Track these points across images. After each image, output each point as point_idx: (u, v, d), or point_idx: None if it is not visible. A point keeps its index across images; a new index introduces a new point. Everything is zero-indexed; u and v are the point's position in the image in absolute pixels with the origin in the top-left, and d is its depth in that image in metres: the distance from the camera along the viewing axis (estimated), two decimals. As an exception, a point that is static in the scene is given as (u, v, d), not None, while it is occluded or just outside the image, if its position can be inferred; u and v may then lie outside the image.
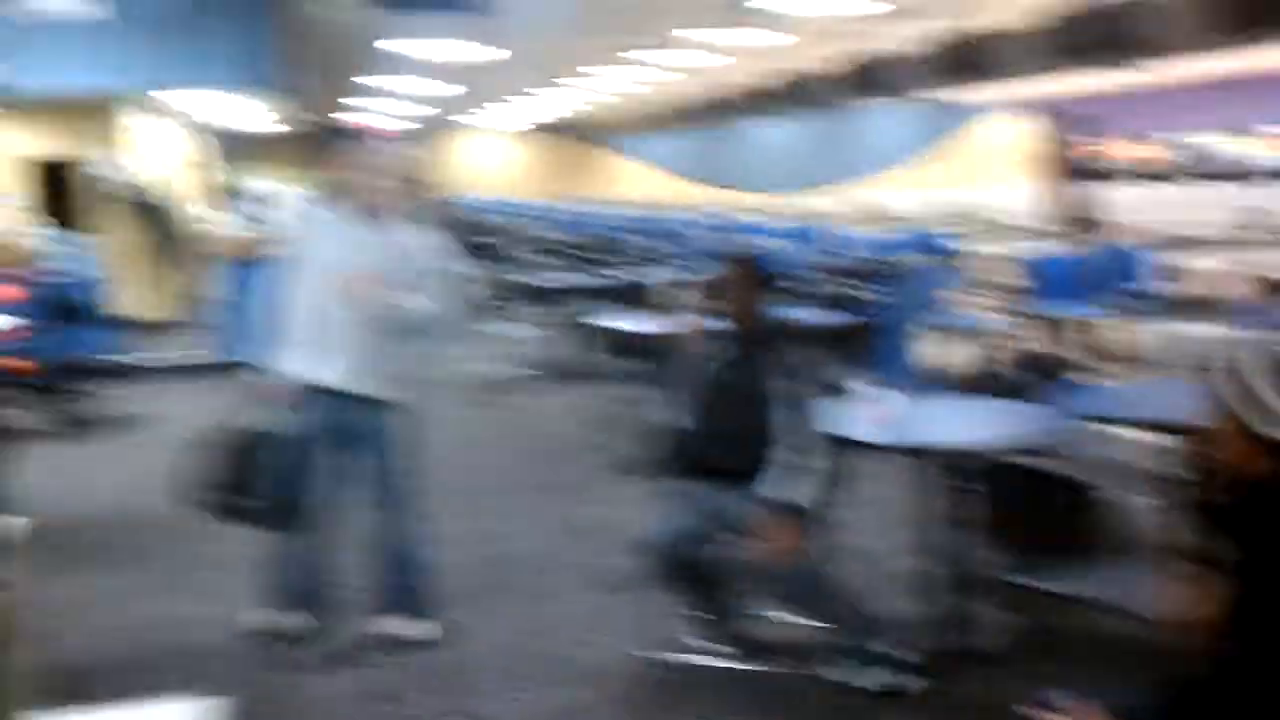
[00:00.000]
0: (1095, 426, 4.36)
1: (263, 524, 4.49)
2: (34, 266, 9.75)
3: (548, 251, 13.66)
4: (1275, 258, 11.26)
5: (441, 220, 4.83)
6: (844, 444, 3.98)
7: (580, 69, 19.38)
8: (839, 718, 3.87)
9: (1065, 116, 19.88)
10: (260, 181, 19.80)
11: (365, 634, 4.56)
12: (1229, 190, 20.76)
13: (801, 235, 14.23)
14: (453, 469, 6.67)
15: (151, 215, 13.12)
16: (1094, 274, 9.57)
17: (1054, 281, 9.56)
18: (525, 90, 22.96)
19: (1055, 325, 9.30)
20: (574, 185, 31.16)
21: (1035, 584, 3.61)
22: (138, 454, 7.88)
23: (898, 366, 7.58)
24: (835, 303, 8.01)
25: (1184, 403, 2.62)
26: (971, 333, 9.13)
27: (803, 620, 4.16)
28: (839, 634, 3.95)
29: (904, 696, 3.88)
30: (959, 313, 9.65)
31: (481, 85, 20.95)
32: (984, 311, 10.18)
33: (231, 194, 17.26)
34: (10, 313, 8.10)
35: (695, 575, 4.15)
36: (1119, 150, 22.29)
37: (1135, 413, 4.63)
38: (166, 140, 14.76)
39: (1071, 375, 5.79)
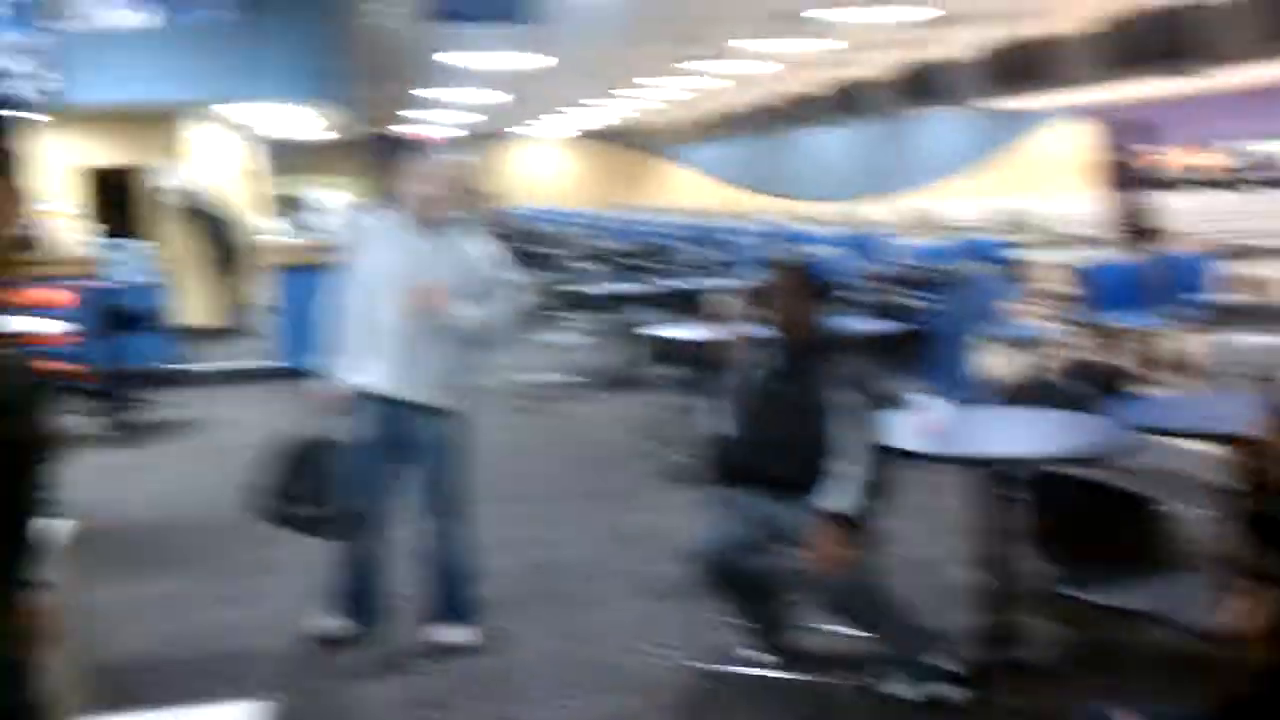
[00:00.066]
0: (1151, 438, 4.29)
1: (315, 530, 4.52)
2: (91, 273, 9.92)
3: (598, 259, 13.66)
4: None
5: (493, 228, 4.85)
6: (895, 454, 3.94)
7: (636, 80, 19.42)
8: (885, 729, 3.84)
9: (1123, 124, 19.66)
10: (314, 190, 20.04)
11: (415, 640, 4.58)
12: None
13: (855, 243, 14.16)
14: (501, 476, 6.69)
15: (208, 223, 13.29)
16: (1152, 283, 9.44)
17: (1111, 290, 9.44)
18: (580, 101, 23.04)
19: (1112, 335, 9.18)
20: (625, 193, 31.21)
21: (1086, 597, 3.56)
22: (191, 459, 7.98)
23: (952, 376, 7.52)
24: (888, 311, 7.95)
25: (1242, 414, 2.57)
26: (1026, 342, 9.04)
27: (851, 631, 4.13)
28: (887, 645, 3.91)
29: (950, 708, 3.83)
30: (1014, 322, 9.55)
31: (534, 95, 21.05)
32: (1039, 320, 10.07)
33: (286, 203, 17.48)
34: (65, 318, 8.23)
35: (744, 584, 4.12)
36: (1178, 157, 22.01)
37: (1192, 424, 4.57)
38: (224, 150, 14.95)
39: (1127, 385, 5.70)
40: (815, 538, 3.77)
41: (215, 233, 13.30)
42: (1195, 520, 3.79)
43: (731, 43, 15.04)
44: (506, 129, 30.39)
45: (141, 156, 13.16)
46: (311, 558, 5.38)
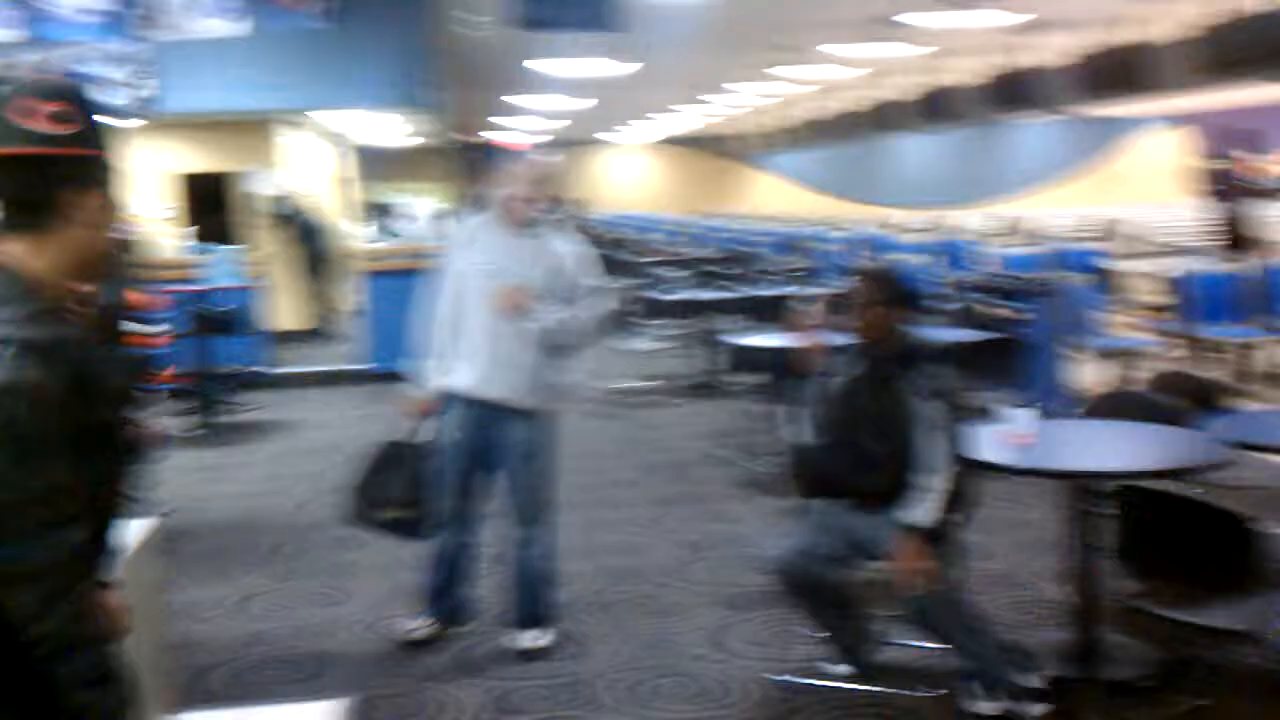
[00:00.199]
0: (1245, 453, 4.17)
1: (401, 532, 4.57)
2: (184, 277, 10.13)
3: (680, 265, 13.66)
4: None
5: (577, 234, 4.88)
6: (980, 466, 3.87)
7: (724, 86, 19.38)
8: (965, 745, 3.77)
9: (1222, 131, 19.21)
10: (402, 196, 20.28)
11: (495, 644, 4.59)
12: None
13: (944, 251, 13.99)
14: (580, 481, 6.70)
15: (299, 229, 13.50)
16: (1249, 293, 9.20)
17: (1207, 301, 9.22)
18: (667, 108, 23.06)
19: (1206, 346, 8.96)
20: (709, 199, 31.17)
21: (1174, 614, 3.46)
22: (277, 460, 8.10)
23: (1041, 387, 7.38)
24: (977, 321, 7.83)
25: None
26: (1119, 353, 8.85)
27: (931, 644, 4.06)
28: (967, 659, 3.84)
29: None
30: (1106, 332, 9.37)
31: (621, 101, 21.11)
32: (1132, 331, 9.86)
33: (374, 208, 17.71)
34: (158, 321, 8.40)
35: (822, 596, 4.07)
36: (1278, 165, 21.44)
37: (1289, 439, 4.42)
38: (315, 156, 15.19)
39: (1222, 399, 5.56)
40: (896, 550, 3.71)
41: (305, 238, 13.51)
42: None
43: (821, 48, 14.95)
44: (592, 135, 30.51)
45: (235, 162, 13.41)
46: (394, 559, 5.44)
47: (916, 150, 28.20)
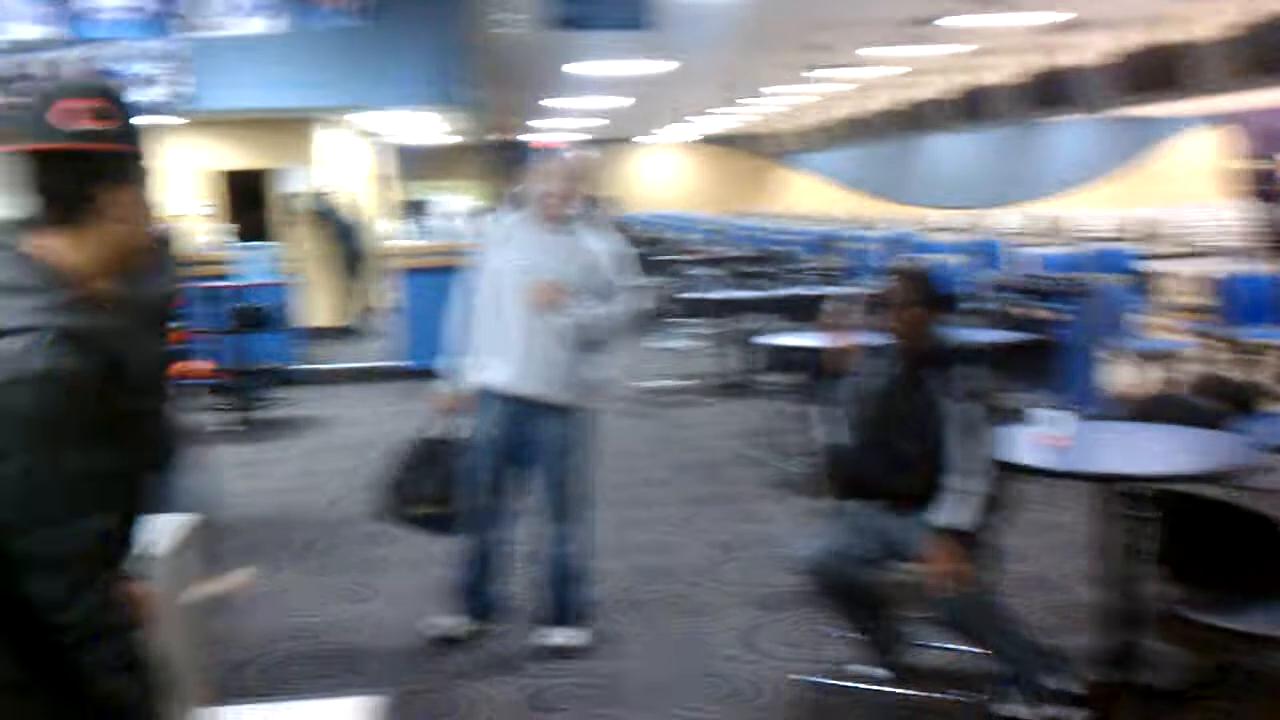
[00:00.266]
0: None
1: (435, 529, 4.58)
2: (221, 274, 10.20)
3: (715, 265, 13.64)
4: None
5: (612, 232, 4.87)
6: (1016, 468, 3.84)
7: (761, 87, 19.34)
8: (999, 750, 3.74)
9: (1263, 132, 18.98)
10: (437, 194, 20.36)
11: (527, 641, 4.60)
12: None
13: (981, 251, 13.91)
14: (613, 480, 6.70)
15: (336, 226, 13.58)
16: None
17: (1248, 304, 9.11)
18: (704, 109, 23.03)
19: (1247, 349, 8.86)
20: (745, 199, 31.12)
21: (1212, 620, 3.42)
22: (312, 456, 8.14)
23: (1079, 389, 7.33)
24: (1015, 322, 7.78)
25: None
26: (1157, 355, 8.77)
27: (967, 648, 4.03)
28: (1003, 663, 3.81)
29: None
30: (1145, 334, 9.28)
31: (658, 101, 21.10)
32: (1172, 334, 9.77)
33: (410, 206, 17.79)
34: (195, 317, 8.46)
35: (855, 597, 4.05)
36: (1321, 167, 21.17)
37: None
38: (352, 154, 15.27)
39: (1262, 402, 5.50)
40: (930, 552, 3.69)
41: (342, 235, 13.59)
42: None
43: (859, 50, 14.90)
44: (627, 135, 30.52)
45: (273, 160, 13.51)
46: (427, 555, 5.46)
47: (953, 150, 28.03)
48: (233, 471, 7.55)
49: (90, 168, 1.81)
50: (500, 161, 27.92)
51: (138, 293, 4.64)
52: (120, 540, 1.79)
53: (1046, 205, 25.14)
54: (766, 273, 12.32)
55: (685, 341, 11.93)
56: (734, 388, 9.89)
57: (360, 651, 4.65)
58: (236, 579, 5.41)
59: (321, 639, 4.79)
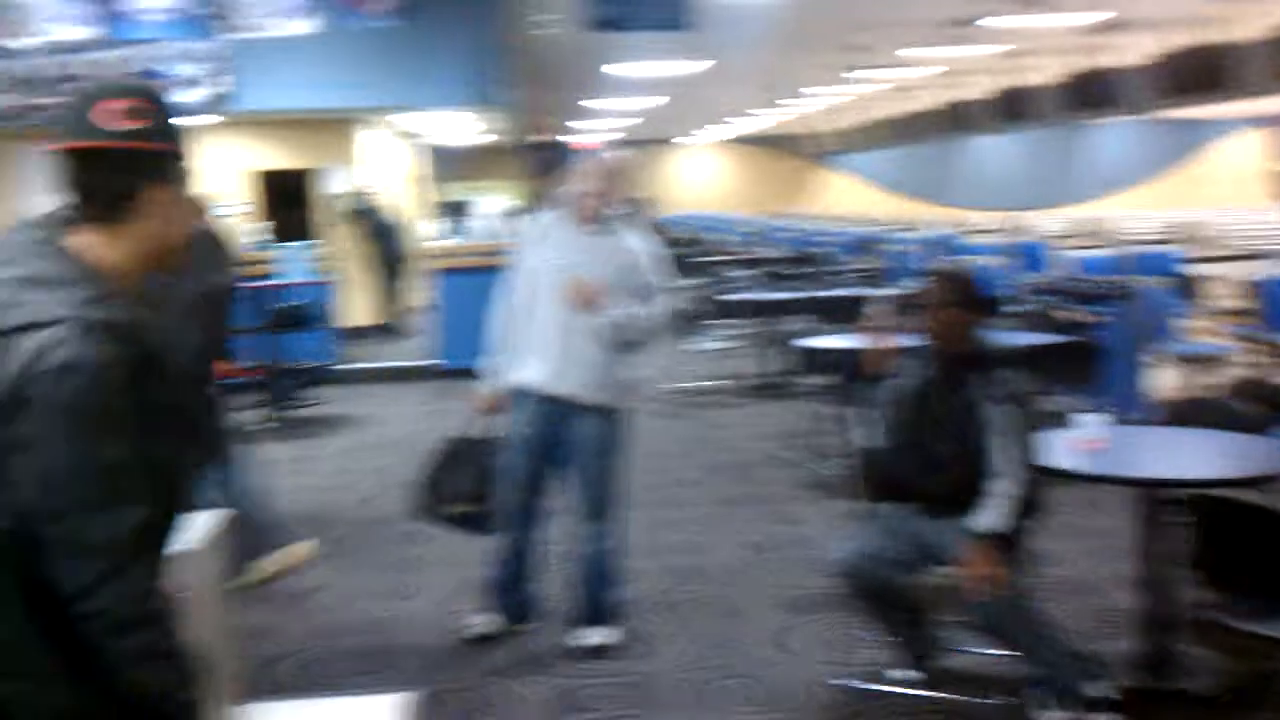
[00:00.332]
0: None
1: (470, 528, 4.59)
2: (259, 273, 10.27)
3: (749, 265, 13.61)
4: None
5: (648, 232, 4.86)
6: (1052, 472, 3.81)
7: (801, 88, 19.28)
8: (1032, 755, 3.71)
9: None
10: (474, 194, 20.42)
11: (559, 640, 4.60)
12: None
13: (1021, 253, 13.81)
14: (644, 480, 6.68)
15: (373, 226, 13.65)
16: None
17: (1292, 307, 9.00)
18: (743, 110, 22.97)
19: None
20: (782, 199, 31.02)
21: (1249, 626, 3.38)
22: (348, 455, 8.19)
23: (1119, 392, 7.26)
24: (1054, 324, 7.72)
25: None
26: (1198, 358, 8.68)
27: (1001, 652, 4.00)
28: (1038, 668, 3.78)
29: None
30: (1187, 338, 9.19)
31: (696, 102, 21.08)
32: (1212, 337, 9.67)
33: (447, 206, 17.86)
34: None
35: (888, 600, 4.03)
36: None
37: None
38: (390, 154, 15.34)
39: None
40: (965, 555, 3.66)
41: (379, 235, 13.66)
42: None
43: (899, 51, 14.83)
44: (665, 135, 30.51)
45: (310, 160, 13.58)
46: (460, 554, 5.47)
47: (994, 151, 27.87)
48: (268, 470, 7.60)
49: (130, 166, 1.83)
50: (538, 162, 27.99)
51: (181, 288, 4.71)
52: (157, 534, 1.80)
53: (1088, 207, 24.95)
54: (804, 274, 12.28)
55: (721, 342, 11.91)
56: (769, 389, 9.86)
57: (394, 649, 4.67)
58: (298, 552, 5.46)
59: (355, 636, 4.81)
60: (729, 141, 31.46)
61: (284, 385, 9.09)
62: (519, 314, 4.49)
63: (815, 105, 22.14)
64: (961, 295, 3.94)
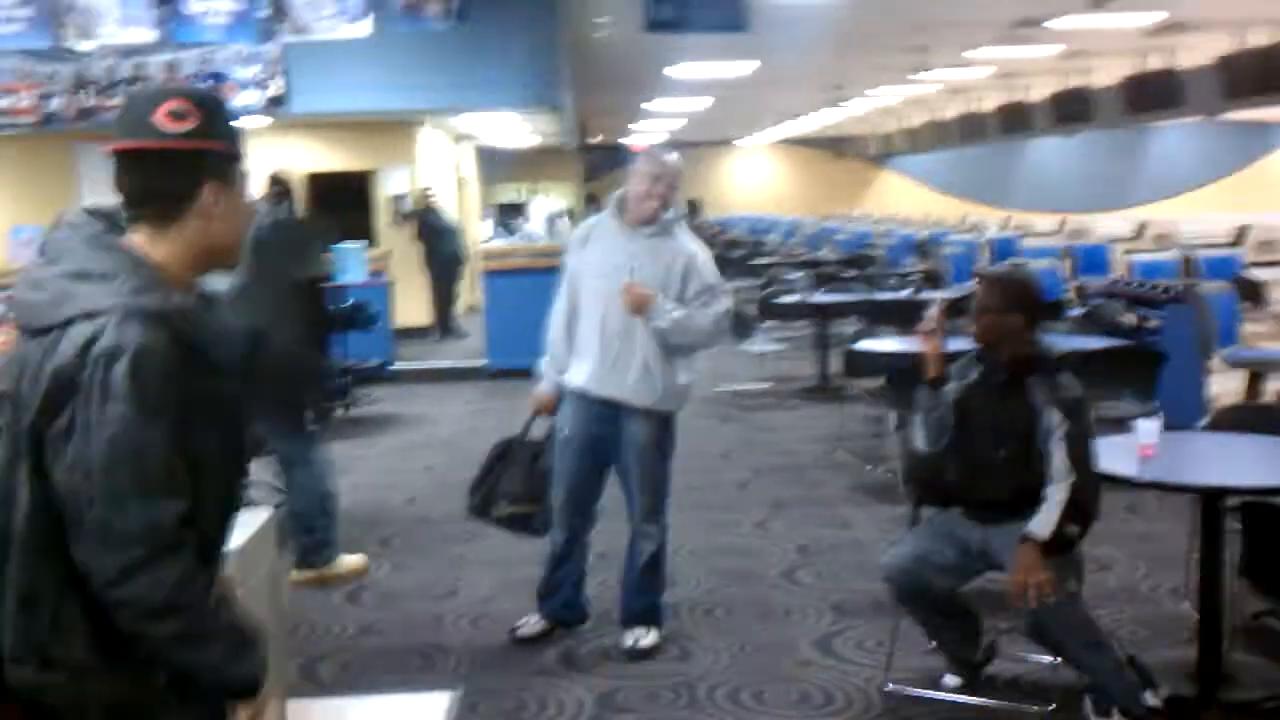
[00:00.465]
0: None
1: (516, 527, 4.60)
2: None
3: (798, 266, 13.56)
4: None
5: (699, 235, 4.83)
6: (1103, 477, 3.74)
7: (853, 86, 19.15)
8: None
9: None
10: (523, 195, 20.49)
11: (604, 641, 4.60)
12: None
13: (1079, 256, 13.65)
14: (690, 481, 6.67)
15: (424, 227, 13.74)
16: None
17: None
18: (795, 108, 22.87)
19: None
20: (833, 200, 30.84)
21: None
22: (397, 454, 8.23)
23: (1171, 397, 7.14)
24: (1112, 328, 7.61)
25: None
26: (1253, 363, 8.52)
27: (1045, 658, 3.95)
28: (1087, 674, 3.72)
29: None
30: (1248, 343, 9.02)
31: (746, 102, 21.02)
32: (1275, 342, 9.50)
33: (498, 208, 17.95)
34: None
35: (936, 605, 3.99)
36: None
37: None
38: (443, 156, 15.43)
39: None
40: (1016, 561, 3.61)
41: (430, 236, 13.74)
42: None
43: (960, 52, 14.69)
44: (720, 138, 30.44)
45: (367, 162, 13.69)
46: (502, 555, 5.49)
47: (1050, 153, 27.55)
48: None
49: (187, 167, 1.86)
50: (592, 163, 28.04)
51: (275, 282, 4.83)
52: (200, 527, 1.81)
53: (1149, 210, 24.61)
54: (857, 276, 12.21)
55: (773, 345, 11.87)
56: (818, 391, 9.81)
57: (436, 648, 4.68)
58: (352, 564, 5.50)
59: (398, 635, 4.83)
60: (783, 142, 31.30)
61: (335, 385, 9.15)
62: (569, 315, 4.49)
63: (873, 106, 22.00)
64: (1012, 298, 3.88)
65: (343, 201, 13.56)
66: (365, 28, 6.73)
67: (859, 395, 8.01)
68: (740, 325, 11.54)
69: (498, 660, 4.53)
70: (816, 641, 4.61)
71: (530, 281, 9.50)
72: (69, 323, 1.75)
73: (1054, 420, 3.67)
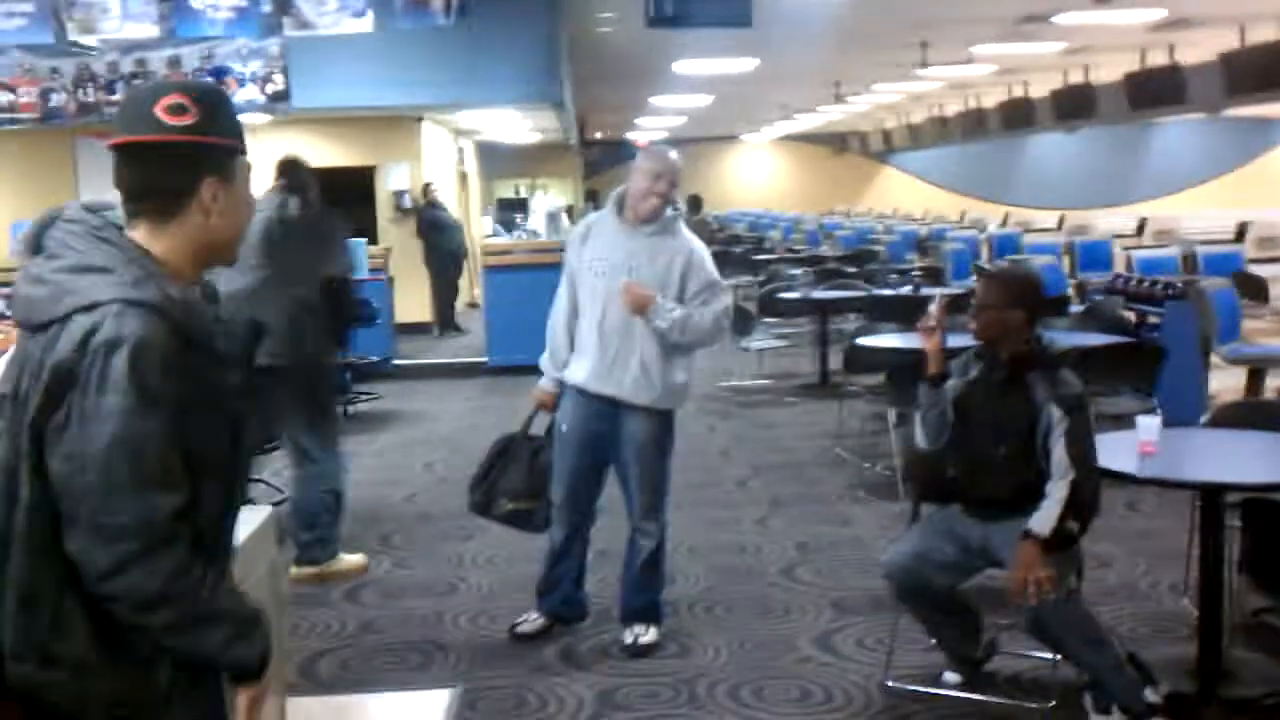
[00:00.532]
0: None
1: (518, 523, 4.61)
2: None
3: (803, 263, 13.55)
4: None
5: (699, 231, 4.83)
6: (1106, 474, 3.74)
7: (857, 83, 19.14)
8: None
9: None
10: (524, 192, 20.49)
11: (603, 638, 4.60)
12: None
13: (1080, 252, 13.63)
14: (690, 479, 6.68)
15: (424, 223, 13.74)
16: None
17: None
18: (798, 104, 22.85)
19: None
20: (839, 197, 30.83)
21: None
22: (398, 450, 8.23)
23: (1171, 393, 7.14)
24: (1112, 324, 7.60)
25: None
26: (1254, 360, 8.51)
27: (1045, 655, 3.95)
28: (1087, 671, 3.73)
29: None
30: (1249, 339, 9.02)
31: (748, 98, 21.00)
32: (1271, 338, 9.49)
33: (501, 204, 17.95)
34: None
35: (936, 602, 3.99)
36: None
37: None
38: (442, 151, 15.43)
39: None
40: (1017, 558, 3.61)
41: (430, 232, 13.74)
42: None
43: (963, 49, 14.67)
44: (722, 134, 30.41)
45: (368, 158, 13.68)
46: (502, 552, 5.50)
47: (1056, 149, 27.53)
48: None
49: (189, 161, 1.86)
50: (593, 160, 28.03)
51: (296, 280, 4.83)
52: (198, 521, 1.81)
53: (1148, 206, 24.60)
54: (858, 272, 12.21)
55: (773, 341, 11.87)
56: (820, 388, 9.81)
57: (436, 645, 4.68)
58: (352, 563, 5.51)
59: (398, 632, 4.83)
60: (784, 139, 31.28)
61: (342, 381, 9.15)
62: (569, 312, 4.49)
63: (875, 102, 21.99)
64: (1012, 295, 3.87)
65: (344, 197, 13.54)
66: (367, 23, 6.74)
67: (859, 392, 8.01)
68: (740, 322, 11.55)
69: (498, 657, 4.53)
70: (816, 639, 4.61)
71: (530, 278, 9.51)
72: (69, 317, 1.75)
73: (1054, 417, 3.67)
